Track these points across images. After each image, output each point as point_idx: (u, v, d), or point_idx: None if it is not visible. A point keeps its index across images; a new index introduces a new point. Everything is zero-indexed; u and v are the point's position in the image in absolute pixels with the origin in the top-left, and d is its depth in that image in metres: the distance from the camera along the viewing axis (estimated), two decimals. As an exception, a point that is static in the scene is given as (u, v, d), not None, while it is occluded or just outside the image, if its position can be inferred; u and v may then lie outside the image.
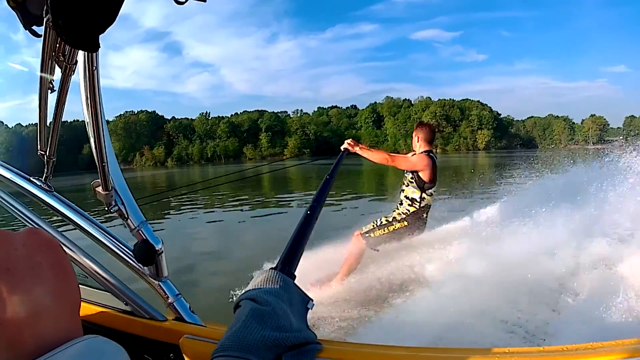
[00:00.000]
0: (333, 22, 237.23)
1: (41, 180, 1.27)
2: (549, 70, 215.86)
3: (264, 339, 0.72)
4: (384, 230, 4.48)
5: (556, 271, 3.66)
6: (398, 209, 4.58)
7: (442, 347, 0.95)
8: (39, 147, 1.26)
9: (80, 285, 0.72)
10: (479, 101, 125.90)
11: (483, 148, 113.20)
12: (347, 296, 4.04)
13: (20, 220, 1.29)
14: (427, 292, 3.71)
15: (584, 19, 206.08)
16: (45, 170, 1.28)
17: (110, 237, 1.20)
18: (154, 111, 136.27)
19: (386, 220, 4.54)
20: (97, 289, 1.24)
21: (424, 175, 4.40)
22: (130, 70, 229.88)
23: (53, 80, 1.02)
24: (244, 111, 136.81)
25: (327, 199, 1.59)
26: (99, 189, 1.08)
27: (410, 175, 4.48)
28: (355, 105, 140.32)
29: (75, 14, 0.53)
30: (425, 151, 4.51)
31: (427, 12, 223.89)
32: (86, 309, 1.24)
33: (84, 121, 0.97)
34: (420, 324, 3.22)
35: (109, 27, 0.56)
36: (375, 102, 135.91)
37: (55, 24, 0.54)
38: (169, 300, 1.17)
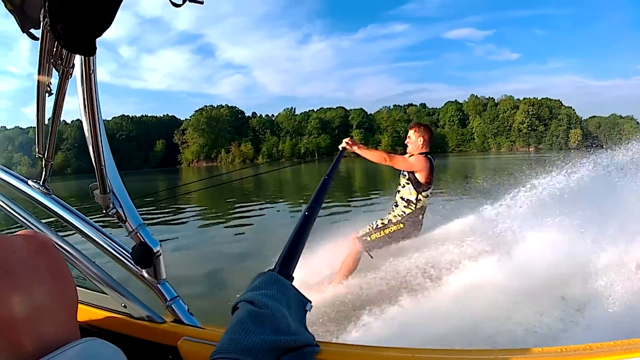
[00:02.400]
0: (365, 22, 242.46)
1: (39, 184, 1.27)
2: (583, 69, 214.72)
3: (262, 342, 0.72)
4: (380, 233, 4.48)
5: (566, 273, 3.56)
6: (394, 210, 4.59)
7: (438, 348, 0.94)
8: (37, 150, 1.27)
9: (78, 288, 0.74)
10: (559, 100, 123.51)
11: (575, 147, 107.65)
12: (345, 298, 4.03)
13: (18, 223, 1.30)
14: (426, 294, 3.73)
15: (617, 15, 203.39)
16: (44, 173, 1.28)
17: (109, 240, 1.20)
18: (235, 106, 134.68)
19: (382, 223, 4.54)
20: (95, 291, 1.24)
21: (421, 177, 4.42)
22: (163, 72, 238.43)
23: (50, 83, 1.04)
24: (329, 107, 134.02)
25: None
26: (97, 191, 1.08)
27: (407, 176, 4.48)
28: (424, 104, 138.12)
29: (72, 18, 0.54)
30: (423, 153, 4.51)
31: (460, 11, 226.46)
32: (84, 311, 1.24)
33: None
34: (418, 325, 3.25)
35: (105, 31, 0.57)
36: (456, 100, 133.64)
37: (53, 28, 0.55)
38: (167, 303, 1.17)
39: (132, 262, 1.16)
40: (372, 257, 4.50)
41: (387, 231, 4.47)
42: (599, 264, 3.46)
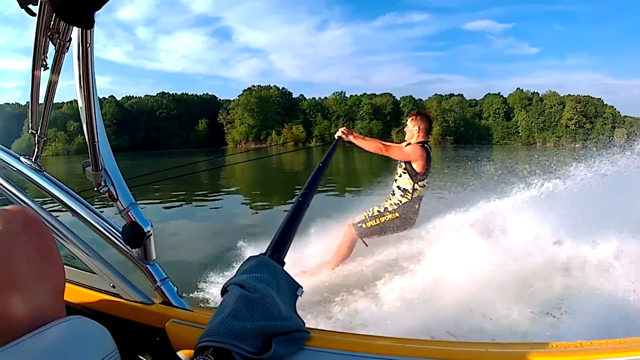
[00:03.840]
0: (384, 10, 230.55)
1: (31, 160, 1.26)
2: (602, 67, 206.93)
3: (251, 326, 0.72)
4: (376, 221, 4.51)
5: (556, 264, 3.73)
6: (390, 199, 4.61)
7: (429, 339, 0.93)
8: (30, 125, 1.26)
9: (66, 267, 0.73)
10: (600, 99, 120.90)
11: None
12: (338, 285, 4.08)
13: (6, 198, 1.28)
14: (419, 282, 3.76)
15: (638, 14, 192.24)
16: (36, 149, 1.27)
17: (99, 218, 1.19)
18: (284, 87, 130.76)
19: (378, 211, 4.56)
20: (83, 270, 1.23)
21: (418, 166, 4.43)
22: (179, 54, 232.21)
23: (46, 58, 1.03)
24: (373, 93, 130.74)
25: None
26: (89, 168, 1.07)
27: (404, 165, 4.49)
28: (461, 95, 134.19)
29: None
30: (420, 142, 4.53)
31: (480, 2, 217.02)
32: (72, 291, 1.23)
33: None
34: (410, 314, 3.28)
35: (105, 4, 0.55)
36: (499, 93, 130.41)
37: (52, 0, 0.53)
38: (157, 284, 1.16)
39: (123, 242, 1.15)
40: (366, 244, 4.53)
41: (382, 219, 4.50)
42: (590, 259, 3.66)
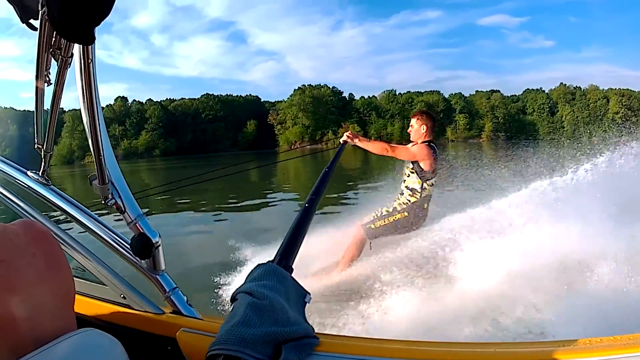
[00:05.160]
0: (397, 8, 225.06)
1: (38, 174, 1.27)
2: (616, 58, 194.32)
3: (261, 333, 0.72)
4: (385, 221, 4.49)
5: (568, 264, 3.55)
6: (399, 199, 4.59)
7: (438, 341, 0.94)
8: (35, 140, 1.27)
9: (75, 278, 0.74)
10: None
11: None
12: (347, 287, 4.06)
13: (14, 213, 1.30)
14: (429, 285, 3.72)
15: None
16: (42, 163, 1.28)
17: (108, 230, 1.20)
18: (334, 86, 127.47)
19: (386, 211, 4.55)
20: (93, 282, 1.25)
21: (425, 165, 4.41)
22: (195, 59, 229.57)
23: (49, 73, 1.03)
24: (416, 91, 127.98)
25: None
26: (96, 182, 1.08)
27: (411, 165, 4.48)
28: (498, 90, 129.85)
29: (70, 6, 0.53)
30: (426, 141, 4.52)
31: None
32: (82, 302, 1.24)
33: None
34: (420, 316, 3.25)
35: (104, 20, 0.55)
36: (540, 88, 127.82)
37: (51, 17, 0.54)
38: (166, 294, 1.17)
39: (131, 253, 1.16)
40: (370, 247, 4.51)
41: (391, 219, 4.48)
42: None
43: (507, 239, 3.77)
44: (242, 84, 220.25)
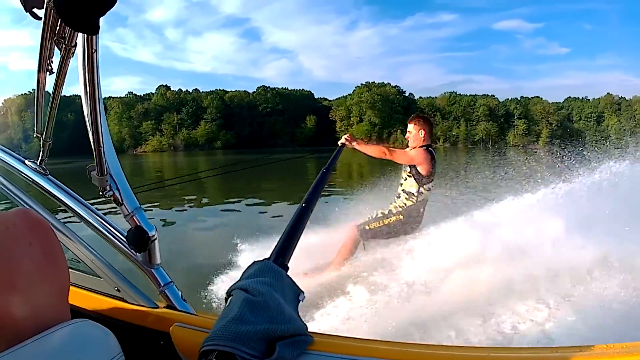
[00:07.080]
0: (413, 10, 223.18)
1: (36, 163, 1.27)
2: (632, 67, 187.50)
3: (255, 330, 0.72)
4: (379, 223, 4.52)
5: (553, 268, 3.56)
6: (395, 202, 4.63)
7: (431, 343, 0.99)
8: (35, 129, 1.26)
9: (70, 270, 0.74)
10: None
11: None
12: (340, 286, 4.07)
13: (11, 201, 1.30)
14: (419, 284, 3.70)
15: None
16: (41, 153, 1.27)
17: (104, 222, 1.20)
18: (397, 85, 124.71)
19: (382, 213, 4.58)
20: (88, 273, 1.25)
21: (423, 170, 4.43)
22: (209, 54, 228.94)
23: (52, 62, 1.03)
24: (484, 94, 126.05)
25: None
26: (94, 173, 1.07)
27: (409, 169, 4.50)
28: (539, 97, 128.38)
29: None
30: (424, 146, 4.54)
31: (509, 2, 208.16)
32: (76, 294, 1.23)
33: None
34: (410, 316, 3.24)
35: (110, 10, 0.55)
36: (585, 97, 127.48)
37: (57, 5, 0.54)
38: (161, 288, 1.17)
39: (127, 246, 1.16)
40: (365, 248, 4.55)
41: (386, 221, 4.51)
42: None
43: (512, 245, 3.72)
44: (255, 81, 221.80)
